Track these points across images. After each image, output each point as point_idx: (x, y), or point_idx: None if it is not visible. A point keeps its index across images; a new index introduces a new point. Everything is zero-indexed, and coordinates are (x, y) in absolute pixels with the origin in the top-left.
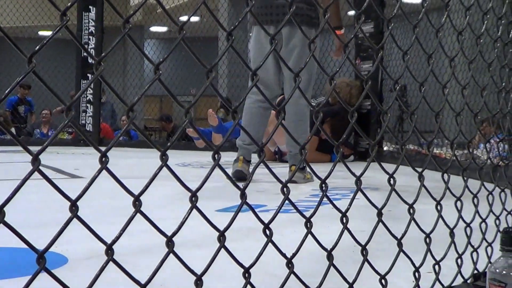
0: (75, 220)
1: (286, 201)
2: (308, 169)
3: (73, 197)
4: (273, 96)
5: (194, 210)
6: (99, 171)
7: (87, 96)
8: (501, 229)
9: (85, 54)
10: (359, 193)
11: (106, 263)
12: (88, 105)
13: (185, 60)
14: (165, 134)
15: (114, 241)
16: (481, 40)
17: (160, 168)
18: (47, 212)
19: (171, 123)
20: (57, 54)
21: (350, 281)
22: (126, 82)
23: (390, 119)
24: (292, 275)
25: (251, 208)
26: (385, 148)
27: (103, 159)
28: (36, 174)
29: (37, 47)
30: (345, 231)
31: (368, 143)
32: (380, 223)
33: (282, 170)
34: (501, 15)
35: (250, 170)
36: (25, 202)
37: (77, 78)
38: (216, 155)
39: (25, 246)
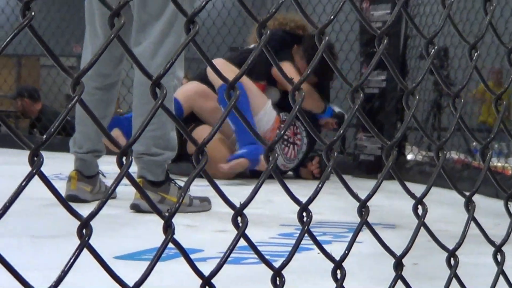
0: None
1: (240, 243)
2: (175, 183)
3: None
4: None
5: (84, 253)
6: None
7: None
8: None
9: None
10: (364, 231)
11: None
12: None
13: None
14: (27, 121)
15: None
16: None
17: (29, 179)
18: None
19: (38, 103)
20: None
21: None
22: None
23: (420, 106)
24: None
25: (183, 252)
26: (408, 157)
27: None
28: None
29: None
30: None
31: (381, 145)
32: (400, 281)
33: (233, 188)
34: None
35: (99, 188)
36: None
37: None
38: (124, 157)
39: None
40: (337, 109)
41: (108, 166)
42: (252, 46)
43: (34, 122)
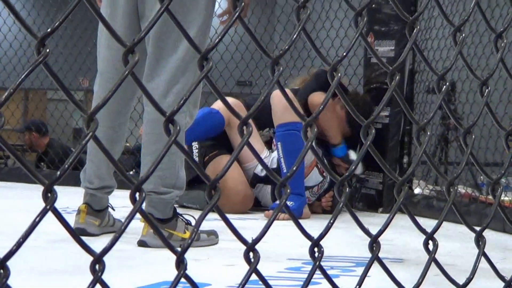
0: None
1: (252, 278)
2: (182, 218)
3: None
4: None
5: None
6: None
7: None
8: None
9: None
10: (375, 266)
11: None
12: None
13: (73, 33)
14: (34, 155)
15: None
16: None
17: (43, 214)
18: None
19: (46, 137)
20: None
21: None
22: None
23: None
24: None
25: (195, 285)
26: (416, 191)
27: None
28: None
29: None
30: None
31: (382, 180)
32: None
33: (239, 222)
34: None
35: (107, 222)
36: None
37: None
38: (137, 193)
39: None
40: (353, 155)
41: (116, 199)
42: (296, 87)
43: (41, 156)
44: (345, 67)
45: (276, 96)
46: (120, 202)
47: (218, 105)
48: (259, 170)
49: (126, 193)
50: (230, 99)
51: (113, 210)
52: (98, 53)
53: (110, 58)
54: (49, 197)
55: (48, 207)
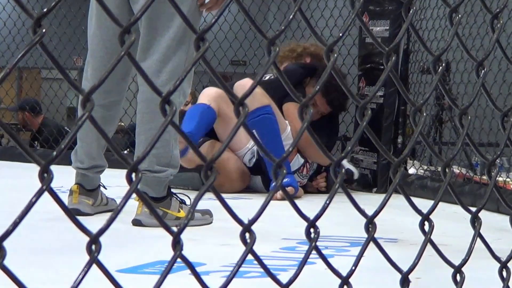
0: None
1: (247, 258)
2: (176, 197)
3: None
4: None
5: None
6: None
7: None
8: None
9: None
10: (370, 247)
11: None
12: None
13: (68, 12)
14: (28, 134)
15: None
16: None
17: (39, 195)
18: None
19: (40, 116)
20: None
21: None
22: None
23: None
24: None
25: (191, 267)
26: (410, 171)
27: None
28: None
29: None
30: None
31: (377, 160)
32: None
33: (234, 202)
34: None
35: (100, 201)
36: None
37: None
38: (133, 174)
39: None
40: (346, 165)
41: (110, 179)
42: (273, 77)
43: (36, 135)
44: (339, 47)
45: (239, 86)
46: (114, 181)
47: (207, 99)
48: (247, 160)
49: (120, 172)
50: (213, 89)
51: (105, 189)
52: (89, 31)
53: (100, 36)
54: (46, 177)
55: (44, 187)
